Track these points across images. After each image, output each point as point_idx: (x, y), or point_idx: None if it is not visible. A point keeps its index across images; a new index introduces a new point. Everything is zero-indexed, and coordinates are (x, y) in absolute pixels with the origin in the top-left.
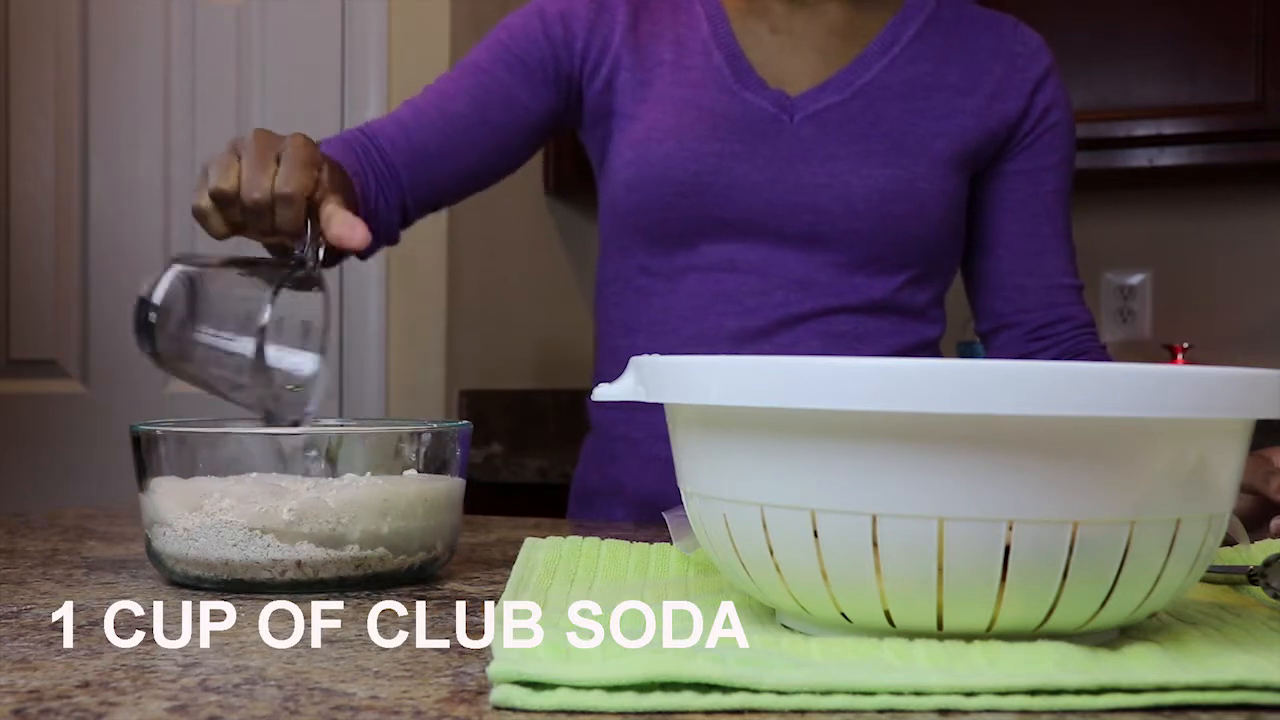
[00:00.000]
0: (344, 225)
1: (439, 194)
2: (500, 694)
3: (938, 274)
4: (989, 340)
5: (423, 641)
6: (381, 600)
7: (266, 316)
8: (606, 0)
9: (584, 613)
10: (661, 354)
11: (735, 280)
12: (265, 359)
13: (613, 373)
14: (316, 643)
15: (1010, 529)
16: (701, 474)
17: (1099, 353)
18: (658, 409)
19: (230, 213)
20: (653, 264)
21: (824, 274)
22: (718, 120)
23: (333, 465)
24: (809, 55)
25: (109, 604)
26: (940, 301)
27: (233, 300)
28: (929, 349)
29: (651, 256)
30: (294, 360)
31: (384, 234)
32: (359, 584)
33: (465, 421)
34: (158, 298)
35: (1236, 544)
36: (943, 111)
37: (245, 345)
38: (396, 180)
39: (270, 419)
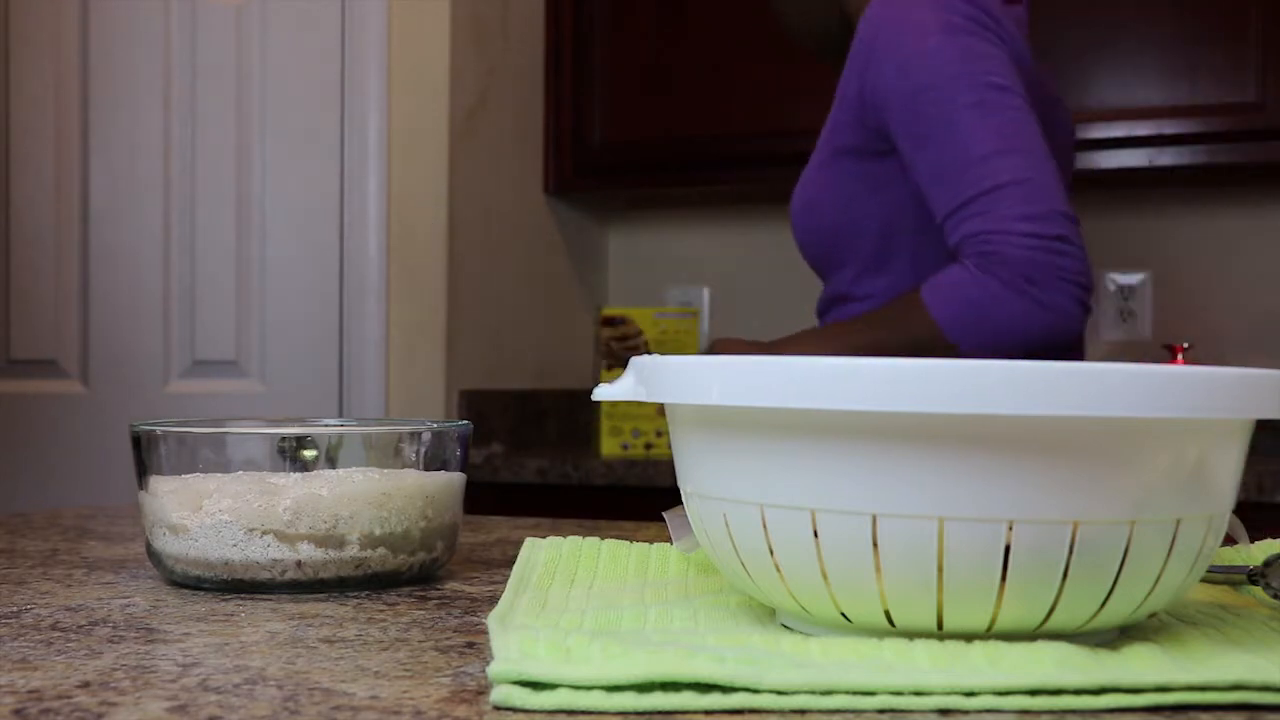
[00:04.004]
0: None
1: None
2: (500, 694)
3: (845, 262)
4: None
5: (423, 641)
6: (381, 600)
7: None
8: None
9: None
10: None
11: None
12: None
13: None
14: (316, 643)
15: (1010, 529)
16: (701, 474)
17: (987, 261)
18: None
19: None
20: None
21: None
22: None
23: (333, 465)
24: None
25: (109, 604)
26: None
27: None
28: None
29: None
30: None
31: None
32: (359, 584)
33: (465, 421)
34: None
35: (1236, 543)
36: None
37: None
38: None
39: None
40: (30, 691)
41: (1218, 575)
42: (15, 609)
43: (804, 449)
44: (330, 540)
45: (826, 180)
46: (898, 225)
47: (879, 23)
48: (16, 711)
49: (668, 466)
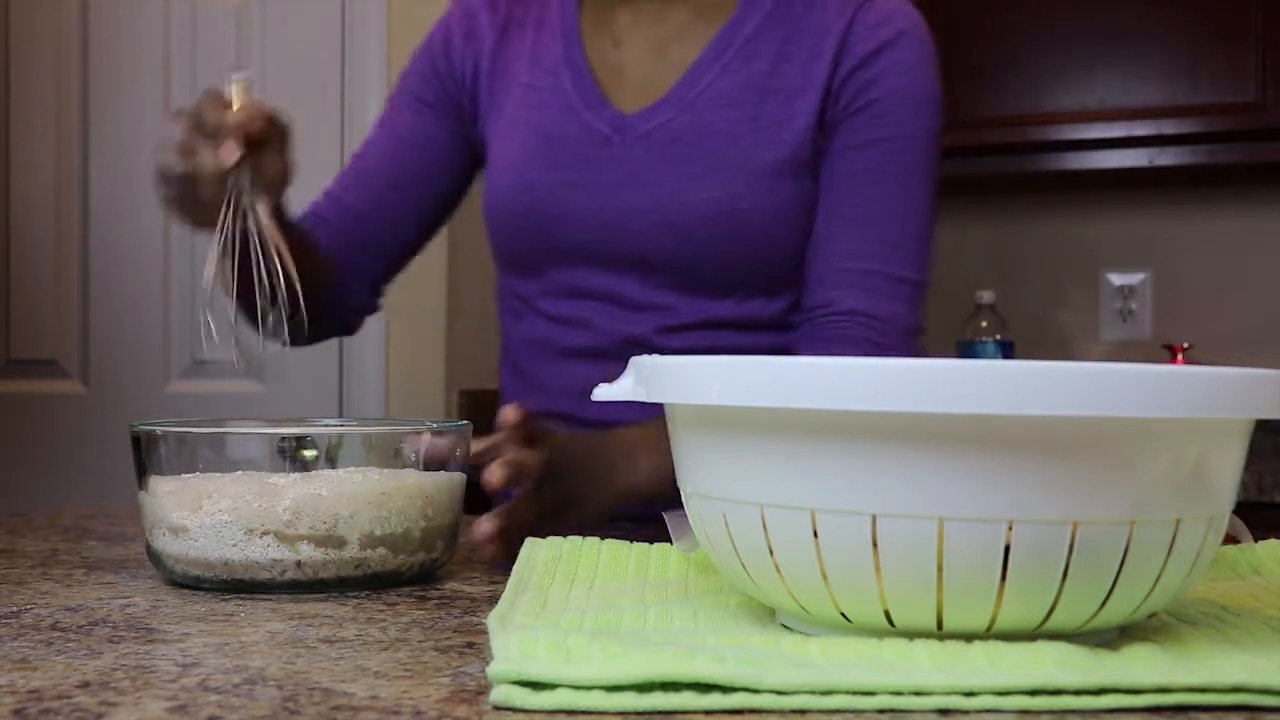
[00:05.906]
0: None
1: (390, 250)
2: (500, 694)
3: (785, 285)
4: None
5: (423, 641)
6: (381, 600)
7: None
8: (476, 24)
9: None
10: (527, 372)
11: (581, 306)
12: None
13: (509, 382)
14: (316, 643)
15: (1010, 529)
16: (702, 474)
17: (849, 344)
18: None
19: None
20: (517, 287)
21: (663, 297)
22: (555, 147)
23: (333, 465)
24: (652, 67)
25: (109, 604)
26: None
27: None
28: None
29: (513, 280)
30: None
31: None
32: (359, 584)
33: (465, 421)
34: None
35: (1240, 543)
36: (774, 118)
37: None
38: (351, 252)
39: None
40: (30, 691)
41: (1224, 569)
42: (15, 609)
43: (804, 449)
44: (330, 540)
45: (767, 189)
46: (803, 248)
47: (912, 31)
48: (16, 711)
49: None
